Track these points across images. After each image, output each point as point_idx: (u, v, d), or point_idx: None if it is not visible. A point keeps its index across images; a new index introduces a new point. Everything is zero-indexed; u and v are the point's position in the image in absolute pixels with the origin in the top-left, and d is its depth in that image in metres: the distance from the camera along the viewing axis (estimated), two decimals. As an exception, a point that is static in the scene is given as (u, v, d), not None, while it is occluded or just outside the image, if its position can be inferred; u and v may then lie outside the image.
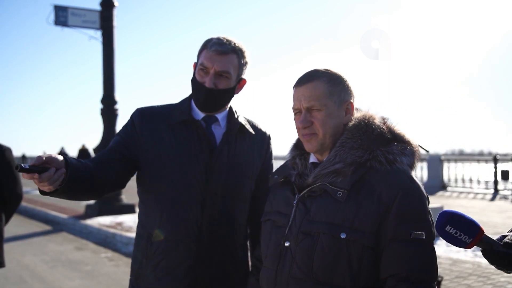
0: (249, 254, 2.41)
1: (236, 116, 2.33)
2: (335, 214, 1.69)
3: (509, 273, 1.61)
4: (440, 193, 17.24)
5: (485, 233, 1.53)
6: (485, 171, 18.35)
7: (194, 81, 2.24)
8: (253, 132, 2.36)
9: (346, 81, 1.86)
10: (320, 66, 1.88)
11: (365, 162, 1.73)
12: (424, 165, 18.87)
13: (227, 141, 2.25)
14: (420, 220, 1.66)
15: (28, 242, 10.17)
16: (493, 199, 15.54)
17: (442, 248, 7.37)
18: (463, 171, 18.48)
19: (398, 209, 1.65)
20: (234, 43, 2.21)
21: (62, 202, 14.13)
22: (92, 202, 12.15)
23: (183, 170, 2.17)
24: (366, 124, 1.81)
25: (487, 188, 17.71)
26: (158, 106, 2.35)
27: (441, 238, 1.54)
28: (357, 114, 1.86)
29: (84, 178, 1.95)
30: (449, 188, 18.35)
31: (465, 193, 17.05)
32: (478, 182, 18.12)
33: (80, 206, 13.93)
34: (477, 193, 16.97)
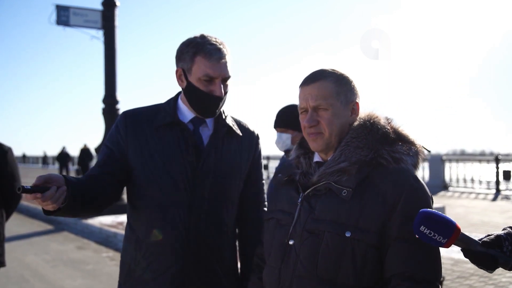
0: (238, 255, 2.40)
1: (223, 117, 2.30)
2: (340, 212, 1.69)
3: (490, 272, 1.61)
4: (442, 193, 17.22)
5: (461, 231, 1.53)
6: (486, 171, 18.32)
7: (196, 90, 2.16)
8: (241, 133, 2.33)
9: (352, 81, 1.87)
10: (327, 66, 1.88)
11: (370, 161, 1.73)
12: (426, 165, 18.86)
13: (214, 143, 2.23)
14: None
15: (29, 241, 10.18)
16: (494, 199, 15.52)
17: (444, 248, 7.32)
18: (464, 171, 18.46)
19: (403, 209, 1.65)
20: (223, 44, 2.18)
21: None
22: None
23: (170, 173, 2.15)
24: (371, 124, 1.82)
25: (488, 188, 17.69)
26: (143, 107, 2.31)
27: None
28: (362, 114, 1.87)
29: (84, 195, 1.97)
30: (450, 188, 18.33)
31: (466, 193, 17.03)
32: (480, 182, 18.10)
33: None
34: (478, 193, 16.96)
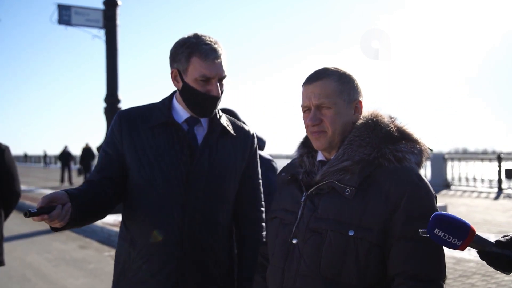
0: (235, 255, 2.38)
1: (218, 117, 2.29)
2: (343, 211, 1.69)
3: (507, 274, 1.58)
4: (444, 191, 17.21)
5: (476, 233, 1.50)
6: (489, 170, 18.29)
7: (193, 91, 2.15)
8: (235, 133, 2.32)
9: (355, 79, 1.86)
10: (330, 65, 1.88)
11: (373, 160, 1.73)
12: (428, 163, 18.83)
13: (208, 143, 2.22)
14: (428, 218, 1.65)
15: (31, 240, 10.19)
16: (497, 198, 15.50)
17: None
18: (466, 170, 18.45)
19: (406, 207, 1.65)
20: (217, 43, 2.17)
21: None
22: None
23: (164, 173, 2.15)
24: (374, 123, 1.81)
25: (491, 187, 17.68)
26: (138, 107, 2.30)
27: None
28: (365, 113, 1.87)
29: (88, 205, 2.00)
30: (452, 187, 18.32)
31: (468, 192, 17.02)
32: (482, 180, 18.08)
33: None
34: (481, 192, 16.94)
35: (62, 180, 24.61)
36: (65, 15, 13.09)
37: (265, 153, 3.31)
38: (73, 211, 1.84)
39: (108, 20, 12.89)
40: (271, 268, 1.88)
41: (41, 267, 7.83)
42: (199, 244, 2.18)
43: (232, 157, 2.28)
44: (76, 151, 25.09)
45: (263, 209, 2.39)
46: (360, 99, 1.87)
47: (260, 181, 2.45)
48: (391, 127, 1.82)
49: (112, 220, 11.14)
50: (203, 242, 2.19)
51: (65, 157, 25.60)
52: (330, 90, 1.79)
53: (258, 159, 2.45)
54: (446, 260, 1.65)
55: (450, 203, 12.66)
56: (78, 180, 25.37)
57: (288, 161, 2.13)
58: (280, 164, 3.36)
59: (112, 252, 8.87)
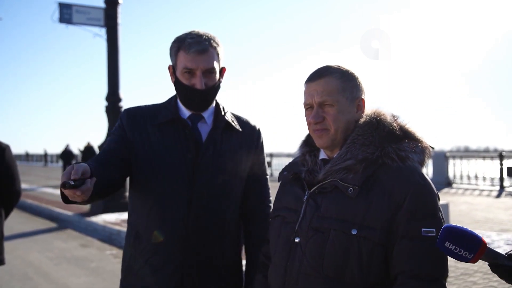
0: (243, 251, 2.39)
1: (223, 113, 2.30)
2: (346, 210, 1.69)
3: None
4: (446, 190, 17.19)
5: (488, 246, 1.47)
6: (490, 168, 18.26)
7: (180, 84, 2.20)
8: (240, 128, 2.33)
9: (357, 77, 1.86)
10: (332, 63, 1.87)
11: (377, 159, 1.72)
12: (429, 161, 18.75)
13: (213, 139, 2.23)
14: (430, 218, 1.65)
15: (33, 239, 10.20)
16: (498, 196, 15.47)
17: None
18: (468, 168, 18.41)
19: (409, 206, 1.64)
20: (208, 37, 2.18)
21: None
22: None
23: (170, 169, 2.17)
24: (377, 121, 1.81)
25: (492, 185, 17.64)
26: (145, 106, 2.34)
27: None
28: (368, 112, 1.86)
29: (100, 182, 1.94)
30: (454, 185, 18.29)
31: (470, 190, 16.99)
32: (484, 179, 18.04)
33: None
34: (482, 190, 16.92)
35: (63, 179, 24.61)
36: (66, 14, 13.08)
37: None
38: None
39: (109, 19, 12.89)
40: (273, 266, 1.87)
41: (43, 265, 7.83)
42: (204, 239, 2.18)
43: (237, 152, 2.28)
44: (77, 150, 24.98)
45: (271, 204, 2.38)
46: (362, 97, 1.86)
47: (268, 176, 2.46)
48: (394, 126, 1.81)
49: (114, 218, 11.15)
50: (209, 238, 2.19)
51: (66, 155, 25.63)
52: (333, 88, 1.79)
53: (265, 155, 2.45)
54: (448, 258, 1.64)
55: (451, 201, 12.64)
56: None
57: (289, 159, 2.13)
58: (281, 163, 3.34)
59: (114, 250, 8.87)
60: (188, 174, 2.16)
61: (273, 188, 2.16)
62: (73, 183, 1.68)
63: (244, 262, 2.37)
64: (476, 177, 18.05)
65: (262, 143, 2.42)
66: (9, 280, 6.84)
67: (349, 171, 1.73)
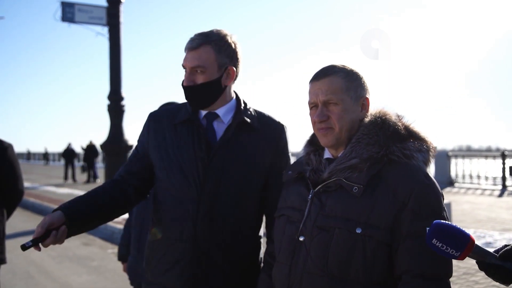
0: (261, 251, 2.35)
1: (242, 110, 2.25)
2: (350, 209, 1.69)
3: (506, 286, 1.54)
4: (448, 189, 17.17)
5: (476, 244, 1.47)
6: (493, 167, 18.23)
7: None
8: (261, 127, 2.25)
9: (362, 77, 1.87)
10: (337, 62, 1.88)
11: (382, 158, 1.73)
12: (432, 160, 18.74)
13: (226, 139, 2.19)
14: (435, 217, 1.65)
15: (35, 237, 10.19)
16: (501, 195, 15.44)
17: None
18: (470, 167, 18.37)
19: (414, 206, 1.65)
20: (207, 34, 2.16)
21: (70, 198, 14.17)
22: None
23: (182, 169, 2.17)
24: (382, 121, 1.81)
25: (495, 184, 17.60)
26: (169, 107, 2.39)
27: None
28: (372, 111, 1.87)
29: (93, 213, 2.13)
30: (456, 184, 18.27)
31: (472, 189, 16.97)
32: (486, 178, 18.01)
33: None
34: (485, 189, 16.89)
35: (65, 178, 24.66)
36: (69, 13, 13.09)
37: None
38: (71, 229, 2.00)
39: (111, 18, 12.88)
40: (278, 265, 1.88)
41: (45, 264, 7.85)
42: (213, 239, 2.16)
43: (255, 151, 2.22)
44: (78, 148, 24.99)
45: None
46: (367, 96, 1.87)
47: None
48: (399, 126, 1.82)
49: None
50: (218, 238, 2.16)
51: (68, 154, 25.64)
52: (337, 87, 1.80)
53: (289, 153, 2.35)
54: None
55: (454, 200, 12.63)
56: (81, 177, 25.42)
57: (293, 158, 2.12)
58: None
59: (116, 249, 8.86)
60: (198, 174, 2.15)
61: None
62: (30, 243, 1.91)
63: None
64: (478, 176, 18.02)
65: (284, 144, 2.32)
66: (11, 279, 6.85)
67: (354, 170, 1.73)
